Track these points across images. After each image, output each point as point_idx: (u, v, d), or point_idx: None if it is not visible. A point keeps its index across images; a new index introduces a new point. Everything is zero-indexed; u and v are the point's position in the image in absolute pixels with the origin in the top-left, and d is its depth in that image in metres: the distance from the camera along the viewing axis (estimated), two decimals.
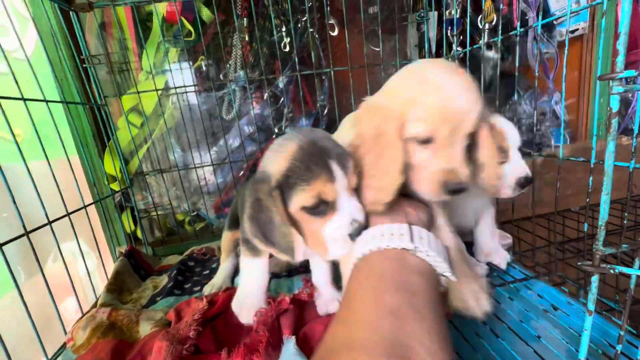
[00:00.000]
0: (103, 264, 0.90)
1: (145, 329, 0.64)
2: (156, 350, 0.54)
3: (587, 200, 0.61)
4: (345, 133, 0.59)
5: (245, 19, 1.09)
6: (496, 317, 0.59)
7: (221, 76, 1.13)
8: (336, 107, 1.14)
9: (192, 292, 0.81)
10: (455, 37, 1.12)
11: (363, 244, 0.44)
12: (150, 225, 1.15)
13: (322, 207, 0.46)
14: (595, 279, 0.35)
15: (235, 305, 0.61)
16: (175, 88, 1.03)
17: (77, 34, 0.91)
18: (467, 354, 0.53)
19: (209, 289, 0.77)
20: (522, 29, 0.77)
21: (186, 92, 1.09)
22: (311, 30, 1.15)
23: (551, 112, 1.43)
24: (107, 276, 0.89)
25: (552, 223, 1.02)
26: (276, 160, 0.47)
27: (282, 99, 1.16)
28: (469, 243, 0.79)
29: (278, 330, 0.57)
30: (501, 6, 1.25)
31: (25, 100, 0.66)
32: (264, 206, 0.46)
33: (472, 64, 1.27)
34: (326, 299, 0.62)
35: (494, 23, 1.24)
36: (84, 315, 0.69)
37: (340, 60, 1.15)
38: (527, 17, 1.32)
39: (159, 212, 1.12)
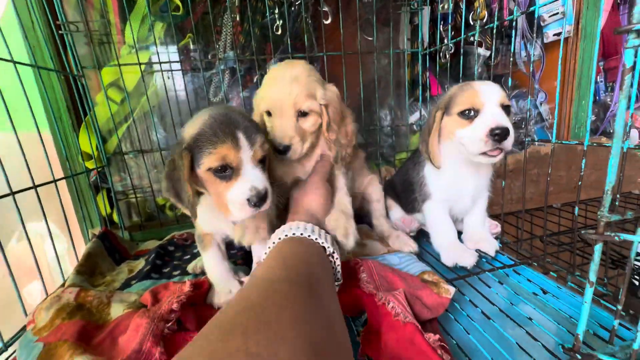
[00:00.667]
0: (74, 247, 0.84)
1: (117, 310, 0.59)
2: (133, 328, 0.49)
3: (579, 183, 0.61)
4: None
5: None
6: (488, 300, 0.58)
7: (209, 56, 1.09)
8: None
9: (171, 277, 0.76)
10: (448, 32, 1.13)
11: (279, 234, 0.54)
12: (128, 209, 1.08)
13: (227, 172, 0.52)
14: (598, 248, 0.34)
15: (209, 299, 0.63)
16: (160, 63, 0.98)
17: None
18: (461, 337, 0.51)
19: (193, 265, 0.74)
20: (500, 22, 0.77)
21: (171, 70, 1.04)
22: (305, 15, 1.13)
23: (536, 112, 1.46)
24: (77, 260, 0.83)
25: (536, 218, 1.03)
26: (190, 126, 0.54)
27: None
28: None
29: None
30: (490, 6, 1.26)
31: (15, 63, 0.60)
32: (177, 165, 0.53)
33: (465, 59, 1.29)
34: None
35: (484, 20, 1.26)
36: (48, 296, 0.63)
37: (333, 49, 1.13)
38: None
39: (138, 196, 1.06)
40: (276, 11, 1.08)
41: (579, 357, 0.38)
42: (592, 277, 0.35)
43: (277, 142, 0.65)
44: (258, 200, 0.52)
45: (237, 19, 1.07)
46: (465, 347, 0.48)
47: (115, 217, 1.02)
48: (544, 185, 1.34)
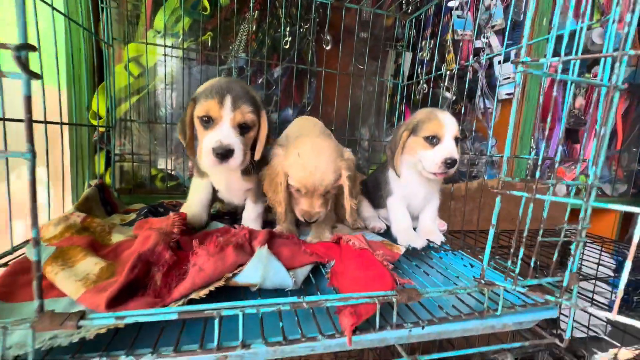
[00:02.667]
0: (63, 197, 0.88)
1: (117, 238, 0.68)
2: (142, 239, 0.58)
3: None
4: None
5: (257, 12, 1.25)
6: (428, 265, 0.74)
7: (222, 56, 1.25)
8: (320, 106, 1.31)
9: None
10: (422, 76, 1.38)
11: None
12: (120, 174, 1.15)
13: (209, 123, 0.68)
14: (498, 200, 0.51)
15: (183, 209, 0.82)
16: (182, 49, 1.12)
17: None
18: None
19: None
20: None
21: (189, 58, 1.18)
22: (309, 38, 1.34)
23: (486, 153, 1.75)
24: (63, 210, 0.87)
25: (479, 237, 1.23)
26: (202, 85, 0.73)
27: (274, 87, 1.29)
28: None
29: (249, 244, 0.65)
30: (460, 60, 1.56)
31: (53, 8, 0.72)
32: (186, 112, 0.72)
33: (434, 99, 1.56)
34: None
35: (454, 71, 1.55)
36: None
37: (330, 74, 1.33)
38: (477, 75, 1.66)
39: (135, 163, 1.13)
40: (287, 29, 1.28)
41: (483, 282, 0.53)
42: (494, 220, 0.52)
43: (307, 215, 0.78)
44: (222, 153, 0.66)
45: (253, 28, 1.26)
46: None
47: (108, 178, 1.08)
48: (487, 213, 1.57)
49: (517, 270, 0.53)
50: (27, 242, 0.67)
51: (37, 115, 0.73)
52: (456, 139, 0.84)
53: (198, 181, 0.85)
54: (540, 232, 0.56)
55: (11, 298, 0.47)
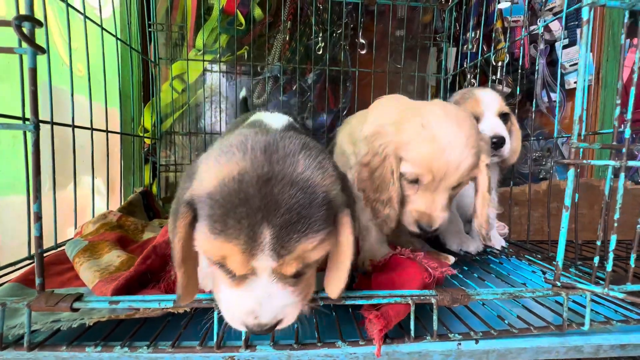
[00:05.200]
0: (107, 206, 0.94)
1: (148, 235, 0.68)
2: (163, 231, 0.57)
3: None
4: (346, 147, 0.69)
5: (289, 22, 1.27)
6: (484, 271, 0.61)
7: (258, 68, 1.28)
8: (356, 110, 1.26)
9: None
10: (469, 70, 1.26)
11: None
12: (165, 184, 1.21)
13: (228, 267, 0.34)
14: (571, 172, 0.39)
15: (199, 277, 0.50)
16: (219, 63, 1.17)
17: (151, 5, 1.08)
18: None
19: None
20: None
21: (227, 72, 1.24)
22: (343, 43, 1.32)
23: (557, 151, 1.50)
24: None
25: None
26: (211, 167, 0.34)
27: (309, 93, 1.28)
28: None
29: None
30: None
31: (103, 29, 0.79)
32: (176, 223, 0.35)
33: None
34: None
35: (506, 62, 1.39)
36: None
37: (364, 76, 1.28)
38: (536, 64, 1.46)
39: (178, 172, 1.19)
40: (320, 35, 1.28)
41: (559, 284, 0.40)
42: (567, 201, 0.40)
43: (427, 220, 0.51)
44: (259, 333, 0.34)
45: (287, 38, 1.28)
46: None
47: (154, 188, 1.15)
48: (560, 220, 1.32)
49: (609, 268, 0.39)
50: (69, 239, 0.71)
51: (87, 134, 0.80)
52: (504, 115, 0.71)
53: None
54: None
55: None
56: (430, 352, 0.41)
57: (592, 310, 0.45)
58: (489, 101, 0.72)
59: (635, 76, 0.36)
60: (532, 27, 1.43)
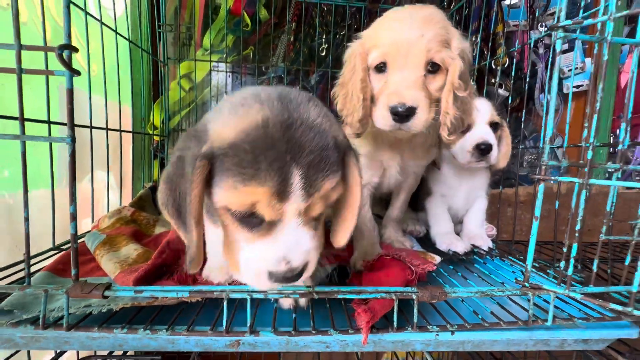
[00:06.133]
0: (120, 199, 0.99)
1: (159, 229, 0.74)
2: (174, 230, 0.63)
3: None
4: None
5: (294, 23, 1.30)
6: (469, 270, 0.66)
7: (263, 68, 1.32)
8: None
9: None
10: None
11: None
12: None
13: (255, 219, 0.34)
14: (541, 187, 0.44)
15: (204, 271, 0.54)
16: (226, 63, 1.22)
17: (161, 6, 1.12)
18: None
19: None
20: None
21: (233, 72, 1.28)
22: (346, 45, 1.36)
23: (552, 154, 1.54)
24: None
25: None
26: (227, 120, 0.35)
27: (312, 93, 1.32)
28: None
29: None
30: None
31: (117, 33, 0.84)
32: (185, 175, 0.35)
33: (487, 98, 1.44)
34: None
35: (505, 66, 1.42)
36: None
37: None
38: (536, 67, 1.49)
39: None
40: (324, 37, 1.31)
41: (527, 285, 0.46)
42: (537, 212, 0.45)
43: (395, 101, 0.49)
44: (287, 280, 0.35)
45: (291, 39, 1.31)
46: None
47: None
48: (552, 221, 1.37)
49: (570, 271, 0.44)
50: (87, 232, 0.76)
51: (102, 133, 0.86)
52: (494, 125, 0.76)
53: (214, 232, 0.50)
54: (604, 228, 0.47)
55: (65, 274, 0.54)
56: (412, 342, 0.47)
57: (558, 308, 0.51)
58: (482, 110, 0.76)
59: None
60: (532, 32, 1.45)
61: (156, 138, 1.17)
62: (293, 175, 0.32)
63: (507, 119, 1.13)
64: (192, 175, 0.34)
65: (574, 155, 1.63)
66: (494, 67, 1.45)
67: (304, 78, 1.30)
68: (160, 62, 1.15)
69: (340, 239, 0.43)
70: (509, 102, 1.47)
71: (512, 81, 0.98)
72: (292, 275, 0.35)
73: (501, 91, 1.48)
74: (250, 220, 0.34)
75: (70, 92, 0.38)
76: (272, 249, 0.34)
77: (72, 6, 0.37)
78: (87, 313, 0.43)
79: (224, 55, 1.23)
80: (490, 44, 1.45)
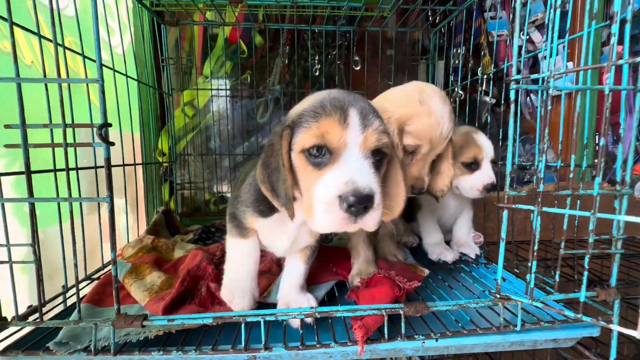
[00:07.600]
0: (138, 223, 1.08)
1: (178, 253, 0.82)
2: (192, 256, 0.71)
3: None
4: None
5: (287, 47, 1.38)
6: (456, 280, 0.74)
7: (261, 89, 1.40)
8: None
9: None
10: (457, 83, 1.37)
11: None
12: (182, 200, 1.35)
13: (323, 156, 0.43)
14: (505, 213, 0.52)
15: (225, 294, 0.58)
16: (226, 90, 1.30)
17: (163, 41, 1.20)
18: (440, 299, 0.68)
19: None
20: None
21: (233, 96, 1.36)
22: (338, 62, 1.43)
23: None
24: (138, 234, 1.07)
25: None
26: (299, 105, 0.48)
27: None
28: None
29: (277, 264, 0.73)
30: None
31: (127, 77, 0.92)
32: (275, 150, 0.46)
33: (471, 106, 1.51)
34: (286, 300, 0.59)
35: (491, 74, 1.49)
36: (132, 241, 0.88)
37: (359, 89, 1.40)
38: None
39: (193, 190, 1.33)
40: (316, 58, 1.39)
41: (498, 296, 0.53)
42: (503, 234, 0.52)
43: (421, 184, 0.61)
44: (356, 202, 0.39)
45: (286, 62, 1.39)
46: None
47: (172, 204, 1.29)
48: (543, 221, 1.44)
49: (531, 284, 0.52)
50: (108, 262, 0.85)
51: (116, 159, 0.95)
52: (491, 162, 0.83)
53: (238, 243, 0.57)
54: (562, 243, 0.54)
55: (101, 304, 0.62)
56: (403, 349, 0.55)
57: (529, 313, 0.59)
58: (488, 150, 0.83)
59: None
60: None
61: (165, 164, 1.25)
62: (351, 112, 0.44)
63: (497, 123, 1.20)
64: (280, 140, 0.45)
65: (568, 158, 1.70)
66: (479, 74, 1.52)
67: (300, 99, 1.38)
68: (165, 93, 1.23)
69: (395, 211, 0.51)
70: (500, 108, 1.55)
71: (497, 88, 1.05)
72: (361, 197, 0.39)
73: (486, 98, 1.56)
74: (320, 159, 0.44)
75: (108, 161, 0.46)
76: (339, 174, 0.42)
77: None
78: (127, 341, 0.51)
79: (224, 81, 1.31)
80: (478, 53, 1.52)
